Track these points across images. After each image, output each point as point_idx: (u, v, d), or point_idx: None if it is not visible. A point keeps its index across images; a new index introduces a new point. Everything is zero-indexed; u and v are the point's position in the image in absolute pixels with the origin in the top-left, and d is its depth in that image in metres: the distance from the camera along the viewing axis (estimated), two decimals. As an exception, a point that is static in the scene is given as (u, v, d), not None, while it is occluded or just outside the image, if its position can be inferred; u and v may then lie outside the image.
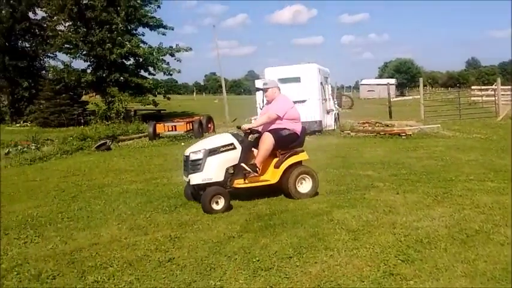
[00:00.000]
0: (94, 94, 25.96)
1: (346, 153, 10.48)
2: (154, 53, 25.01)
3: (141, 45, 24.80)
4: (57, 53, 26.11)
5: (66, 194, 6.90)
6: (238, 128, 6.28)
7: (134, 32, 25.65)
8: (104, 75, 23.64)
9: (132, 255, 4.08)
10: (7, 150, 13.06)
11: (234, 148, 5.74)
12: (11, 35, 25.53)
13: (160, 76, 28.47)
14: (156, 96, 26.77)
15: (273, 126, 5.99)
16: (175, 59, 26.18)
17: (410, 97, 48.39)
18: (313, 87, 14.65)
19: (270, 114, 6.01)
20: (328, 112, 15.93)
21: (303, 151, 6.14)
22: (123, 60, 24.78)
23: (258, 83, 15.82)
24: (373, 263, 3.68)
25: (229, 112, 23.20)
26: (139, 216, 5.36)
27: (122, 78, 23.55)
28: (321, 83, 15.21)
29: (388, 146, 11.38)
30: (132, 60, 25.52)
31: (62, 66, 24.47)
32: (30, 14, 25.93)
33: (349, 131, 15.04)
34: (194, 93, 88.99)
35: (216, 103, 44.90)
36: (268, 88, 6.24)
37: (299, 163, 6.09)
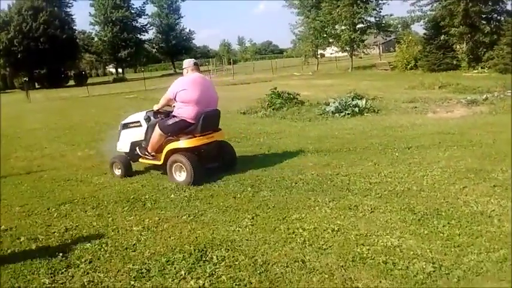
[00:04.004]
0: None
1: None
2: None
3: None
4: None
5: None
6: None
7: None
8: None
9: None
10: (485, 96, 13.92)
11: (140, 126, 6.36)
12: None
13: None
14: None
15: (174, 112, 5.97)
16: None
17: None
18: None
19: (165, 94, 6.07)
20: None
21: (189, 138, 5.77)
22: None
23: None
24: None
25: None
26: None
27: None
28: None
29: None
30: None
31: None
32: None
33: None
34: None
35: None
36: (183, 69, 6.16)
37: (184, 150, 5.77)
